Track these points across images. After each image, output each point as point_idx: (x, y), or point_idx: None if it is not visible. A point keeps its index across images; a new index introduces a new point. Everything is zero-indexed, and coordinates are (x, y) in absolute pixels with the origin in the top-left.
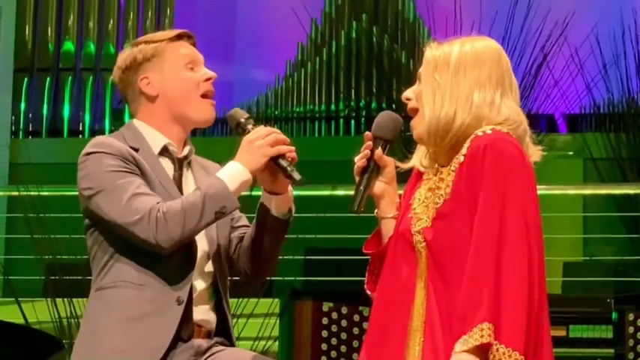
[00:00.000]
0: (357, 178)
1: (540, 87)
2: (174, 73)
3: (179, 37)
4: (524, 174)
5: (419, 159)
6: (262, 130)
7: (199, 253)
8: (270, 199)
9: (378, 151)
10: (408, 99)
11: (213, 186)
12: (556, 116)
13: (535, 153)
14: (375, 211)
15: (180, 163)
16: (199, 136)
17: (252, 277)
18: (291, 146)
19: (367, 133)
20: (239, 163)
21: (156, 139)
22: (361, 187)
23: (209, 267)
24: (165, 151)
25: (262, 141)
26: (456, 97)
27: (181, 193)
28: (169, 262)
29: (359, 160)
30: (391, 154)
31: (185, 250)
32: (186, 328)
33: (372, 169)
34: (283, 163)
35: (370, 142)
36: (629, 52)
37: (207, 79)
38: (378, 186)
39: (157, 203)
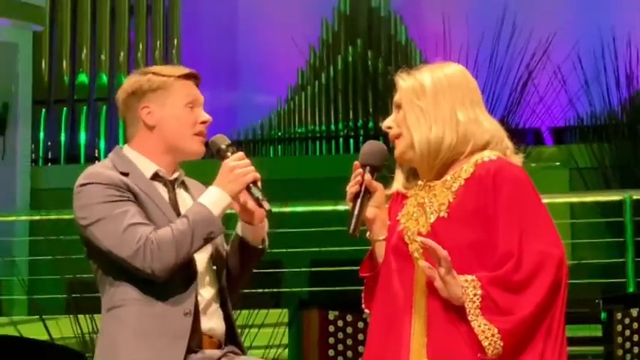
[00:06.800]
0: (349, 205)
1: (526, 103)
2: (175, 109)
3: (187, 76)
4: (534, 189)
5: (400, 183)
6: (241, 157)
7: (201, 263)
8: (247, 229)
9: (367, 176)
10: (389, 127)
11: (200, 213)
12: (542, 130)
13: (517, 161)
14: (367, 234)
15: (173, 185)
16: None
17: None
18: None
19: (355, 162)
20: (220, 189)
21: (146, 166)
22: (355, 212)
23: (212, 275)
24: (156, 176)
25: (242, 170)
26: (442, 119)
27: (178, 213)
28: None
29: (351, 187)
30: (380, 180)
31: (186, 262)
32: (193, 338)
33: (364, 194)
34: (255, 192)
35: (360, 170)
36: (609, 67)
37: (203, 122)
38: (370, 211)
39: (150, 233)
